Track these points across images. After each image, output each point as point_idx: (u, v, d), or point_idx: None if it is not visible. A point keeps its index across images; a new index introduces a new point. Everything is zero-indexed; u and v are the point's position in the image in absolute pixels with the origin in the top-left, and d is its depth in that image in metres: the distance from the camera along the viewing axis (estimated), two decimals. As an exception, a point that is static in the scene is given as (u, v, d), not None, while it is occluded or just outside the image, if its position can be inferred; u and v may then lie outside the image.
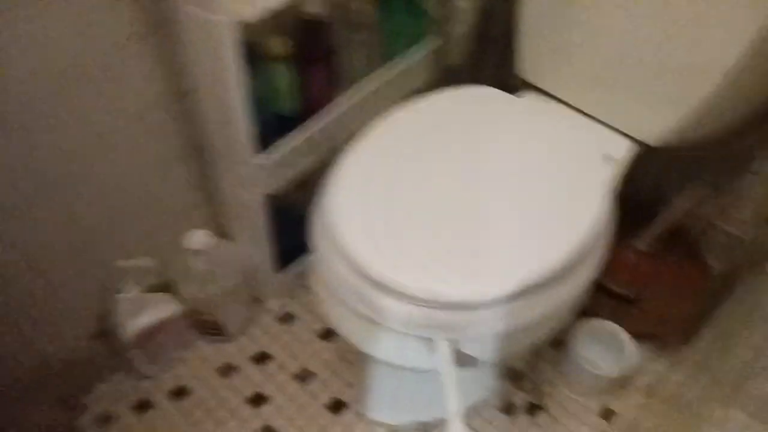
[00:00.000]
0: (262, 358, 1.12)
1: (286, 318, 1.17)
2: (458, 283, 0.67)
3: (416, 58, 1.01)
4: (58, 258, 0.87)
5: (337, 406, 1.06)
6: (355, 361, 1.09)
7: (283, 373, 1.10)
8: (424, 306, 0.67)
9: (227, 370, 1.10)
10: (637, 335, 1.10)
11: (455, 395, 0.68)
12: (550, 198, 0.76)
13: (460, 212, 0.74)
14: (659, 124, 0.86)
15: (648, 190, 1.22)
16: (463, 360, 0.74)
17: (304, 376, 1.09)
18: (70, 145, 0.79)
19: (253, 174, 0.87)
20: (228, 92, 0.75)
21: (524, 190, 0.77)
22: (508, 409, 1.06)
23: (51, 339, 0.94)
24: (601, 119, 0.93)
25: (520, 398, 1.08)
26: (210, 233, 0.97)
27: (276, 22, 0.76)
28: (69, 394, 1.03)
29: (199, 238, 0.96)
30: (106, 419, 1.04)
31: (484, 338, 0.72)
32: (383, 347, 0.75)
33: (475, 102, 0.89)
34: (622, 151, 0.89)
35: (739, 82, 0.77)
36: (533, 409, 1.06)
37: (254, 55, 0.79)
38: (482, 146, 0.82)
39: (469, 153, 0.81)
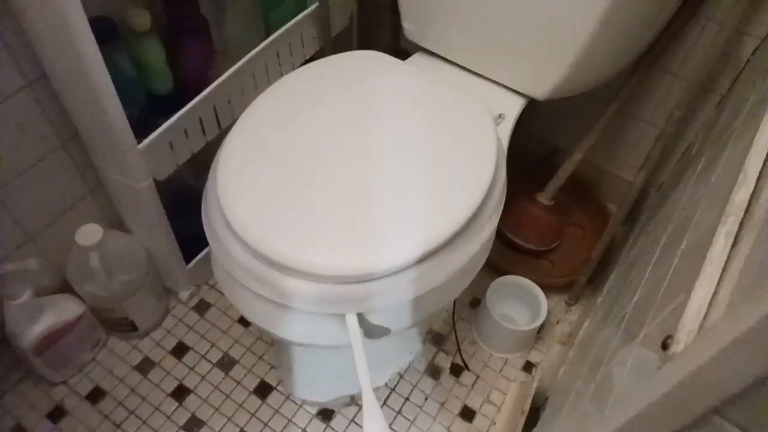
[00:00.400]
0: (180, 349, 1.08)
1: (201, 306, 1.13)
2: (360, 255, 0.65)
3: (298, 25, 0.97)
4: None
5: (263, 390, 1.04)
6: (275, 342, 1.07)
7: (204, 362, 1.07)
8: (327, 282, 0.65)
9: (145, 365, 1.06)
10: (551, 287, 1.12)
11: (366, 368, 0.67)
12: (443, 160, 0.75)
13: (354, 182, 0.72)
14: (543, 78, 0.86)
15: (544, 145, 1.24)
16: (375, 331, 0.73)
17: (226, 364, 1.06)
18: None
19: (137, 162, 0.82)
20: (89, 78, 0.69)
21: (417, 154, 0.75)
22: (433, 371, 1.07)
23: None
24: (488, 76, 0.92)
25: (443, 360, 1.08)
26: (100, 227, 0.91)
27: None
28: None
29: (89, 233, 0.90)
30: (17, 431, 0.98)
31: (393, 307, 0.71)
32: (293, 329, 0.72)
33: (362, 67, 0.86)
34: (510, 107, 0.89)
35: (614, 28, 0.78)
36: (457, 369, 1.07)
37: (116, 31, 0.74)
38: (371, 112, 0.80)
39: (359, 120, 0.78)
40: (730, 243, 0.41)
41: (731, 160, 0.56)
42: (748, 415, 0.32)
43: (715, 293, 0.38)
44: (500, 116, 0.88)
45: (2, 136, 0.80)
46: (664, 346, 0.38)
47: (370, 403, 0.65)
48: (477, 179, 0.72)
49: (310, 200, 0.70)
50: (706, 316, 0.37)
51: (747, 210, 0.42)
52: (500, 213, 0.76)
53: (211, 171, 0.75)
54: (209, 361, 1.07)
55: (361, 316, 0.68)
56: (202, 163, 0.91)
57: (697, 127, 1.05)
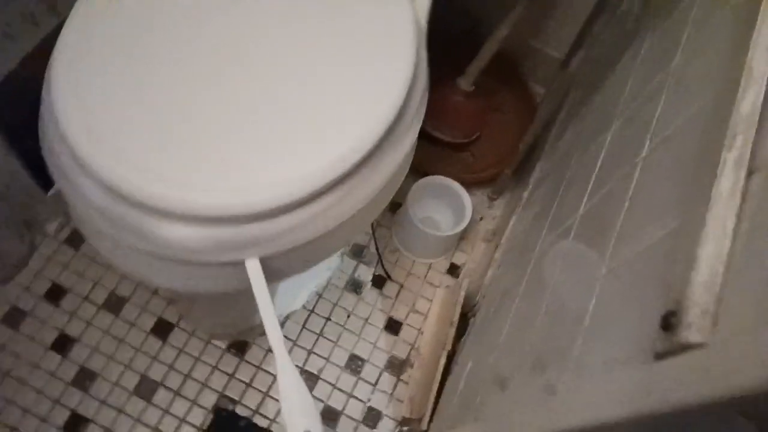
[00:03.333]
0: (56, 293, 0.91)
1: (75, 238, 0.95)
2: (254, 187, 0.51)
3: None
4: None
5: (163, 329, 0.91)
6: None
7: (87, 305, 0.91)
8: (218, 225, 0.51)
9: (14, 317, 0.89)
10: (474, 182, 1.03)
11: (275, 321, 0.55)
12: (349, 54, 0.59)
13: (232, 92, 0.55)
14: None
15: (463, 18, 1.08)
16: (282, 273, 0.61)
17: (115, 304, 0.92)
18: None
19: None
20: None
21: (311, 45, 0.59)
22: (354, 286, 0.98)
23: None
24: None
25: (364, 272, 0.99)
26: None
27: None
28: None
29: None
30: None
31: (303, 245, 0.58)
32: (180, 279, 0.58)
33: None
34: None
35: None
36: (379, 281, 0.99)
37: None
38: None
39: (226, 11, 0.59)
40: (742, 175, 0.30)
41: (712, 40, 0.45)
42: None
43: (731, 251, 0.28)
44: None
45: None
46: (666, 325, 0.29)
47: (284, 363, 0.54)
48: (393, 74, 0.58)
49: (181, 119, 0.53)
50: (724, 285, 0.28)
51: (759, 127, 0.32)
52: (423, 115, 0.63)
53: (45, 82, 0.56)
54: (93, 303, 0.91)
55: (264, 260, 0.55)
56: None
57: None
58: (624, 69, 0.70)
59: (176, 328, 0.91)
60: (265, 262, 0.55)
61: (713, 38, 0.45)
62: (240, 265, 0.55)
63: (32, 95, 0.75)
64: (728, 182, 0.31)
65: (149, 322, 0.91)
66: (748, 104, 0.33)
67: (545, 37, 1.08)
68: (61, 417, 0.84)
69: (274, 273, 0.57)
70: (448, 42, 1.07)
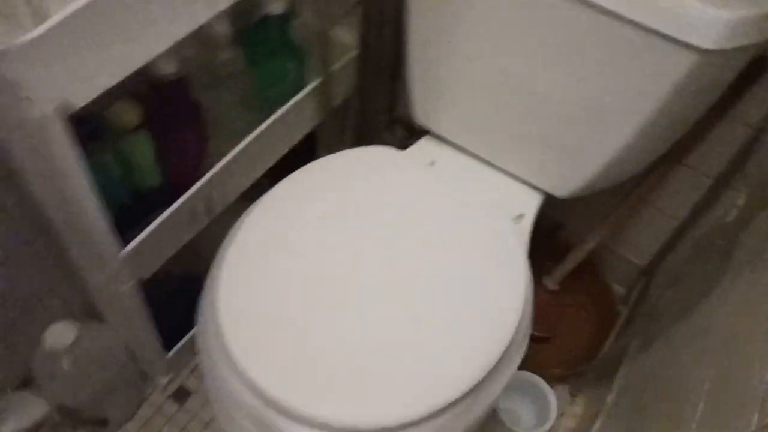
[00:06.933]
0: (157, 444, 0.98)
1: (181, 394, 1.03)
2: (376, 406, 0.58)
3: (299, 101, 0.89)
4: None
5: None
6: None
7: (183, 460, 0.97)
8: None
9: (118, 463, 0.96)
10: (553, 377, 1.06)
11: None
12: (468, 282, 0.68)
13: (371, 315, 0.65)
14: (570, 176, 0.80)
15: (546, 219, 1.18)
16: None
17: (208, 461, 0.98)
18: None
19: (120, 267, 0.73)
20: (71, 190, 0.60)
21: (438, 277, 0.69)
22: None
23: None
24: (504, 168, 0.85)
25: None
26: (73, 325, 0.82)
27: (124, 84, 0.61)
28: None
29: (60, 335, 0.80)
30: None
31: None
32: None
33: (367, 170, 0.79)
34: (527, 204, 0.82)
35: (656, 128, 0.71)
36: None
37: (97, 129, 0.65)
38: (381, 225, 0.73)
39: (368, 235, 0.71)
40: None
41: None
42: None
43: None
44: (520, 217, 0.81)
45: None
46: None
47: None
48: (507, 312, 0.66)
49: (320, 338, 0.62)
50: None
51: None
52: (525, 348, 0.70)
53: (207, 292, 0.67)
54: (190, 459, 0.98)
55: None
56: (184, 248, 0.83)
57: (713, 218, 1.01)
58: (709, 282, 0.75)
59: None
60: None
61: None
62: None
63: (167, 270, 0.87)
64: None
65: (236, 486, 0.96)
66: None
67: (629, 246, 1.15)
68: None
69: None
70: (534, 239, 1.16)
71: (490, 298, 0.67)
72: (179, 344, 1.00)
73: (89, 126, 0.63)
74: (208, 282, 0.68)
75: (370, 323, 0.64)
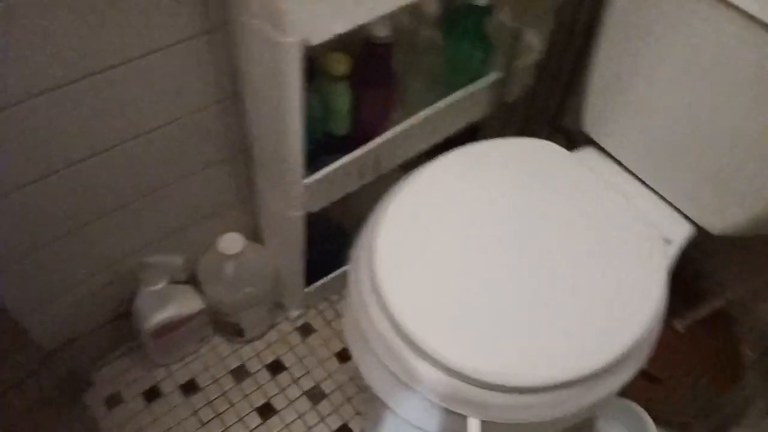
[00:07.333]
0: (276, 367, 1.09)
1: (306, 330, 1.14)
2: (500, 362, 0.63)
3: (476, 90, 0.96)
4: (96, 239, 0.87)
5: (343, 433, 1.03)
6: (370, 393, 1.06)
7: (295, 387, 1.08)
8: (460, 379, 0.63)
9: (241, 373, 1.08)
10: (662, 421, 1.04)
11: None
12: (607, 278, 0.71)
13: (511, 284, 0.70)
14: (727, 215, 0.79)
15: (693, 274, 1.14)
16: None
17: (316, 395, 1.07)
18: (113, 133, 0.77)
19: (298, 194, 0.84)
20: (285, 113, 0.72)
21: (580, 265, 0.72)
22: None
23: (74, 315, 0.94)
24: (661, 194, 0.86)
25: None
26: (243, 238, 0.94)
27: (339, 39, 0.72)
28: (80, 368, 1.03)
29: (232, 243, 0.94)
30: (113, 400, 1.04)
31: (522, 423, 0.68)
32: (406, 407, 0.71)
33: (531, 158, 0.84)
34: (676, 233, 0.83)
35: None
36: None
37: (312, 72, 0.75)
38: (536, 209, 0.77)
39: (522, 215, 0.76)
40: None
41: None
42: None
43: None
44: (667, 242, 0.82)
45: (185, 144, 0.85)
46: None
47: None
48: (641, 311, 0.68)
49: (464, 292, 0.68)
50: None
51: None
52: (653, 348, 0.71)
53: (368, 231, 0.75)
54: (300, 388, 1.08)
55: (484, 423, 0.65)
56: (343, 198, 0.93)
57: None
58: None
59: (354, 438, 1.03)
60: (485, 425, 0.65)
61: None
62: (462, 419, 0.65)
63: (324, 214, 0.96)
64: None
65: (336, 423, 1.04)
66: None
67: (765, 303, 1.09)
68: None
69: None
70: (673, 277, 1.14)
71: (626, 298, 0.69)
72: (317, 283, 1.10)
73: (310, 66, 0.73)
74: (367, 227, 0.75)
75: (515, 291, 0.69)
